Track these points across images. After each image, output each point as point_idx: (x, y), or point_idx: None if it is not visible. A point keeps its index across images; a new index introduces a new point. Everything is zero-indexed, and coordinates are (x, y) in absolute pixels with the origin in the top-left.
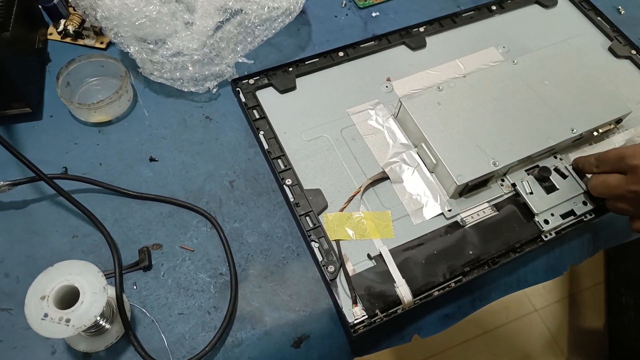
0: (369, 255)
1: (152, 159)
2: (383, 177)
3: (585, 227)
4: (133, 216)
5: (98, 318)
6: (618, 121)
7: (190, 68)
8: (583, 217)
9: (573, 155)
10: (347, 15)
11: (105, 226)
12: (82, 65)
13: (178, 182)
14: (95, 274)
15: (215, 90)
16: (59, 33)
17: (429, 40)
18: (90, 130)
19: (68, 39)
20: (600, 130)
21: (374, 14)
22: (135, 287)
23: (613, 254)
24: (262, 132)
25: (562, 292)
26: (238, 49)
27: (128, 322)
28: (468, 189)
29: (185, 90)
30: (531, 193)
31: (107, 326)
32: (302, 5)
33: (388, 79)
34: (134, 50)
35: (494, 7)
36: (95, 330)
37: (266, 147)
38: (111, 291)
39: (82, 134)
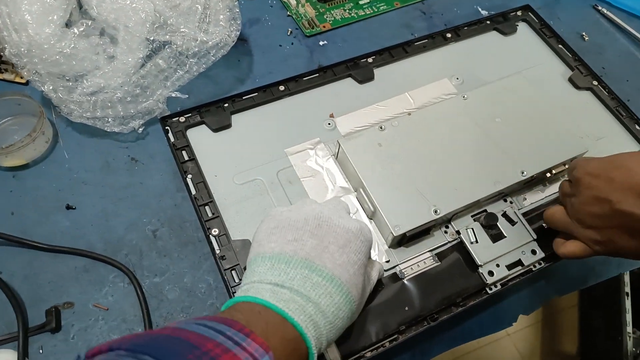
0: None
1: (69, 207)
2: None
3: (535, 276)
4: (45, 271)
5: None
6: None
7: (113, 107)
8: (532, 266)
9: (526, 198)
10: (292, 44)
11: (12, 284)
12: None
13: (97, 232)
14: None
15: (141, 130)
16: None
17: (378, 72)
18: (3, 175)
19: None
20: (554, 171)
21: (321, 43)
22: (41, 351)
23: None
24: (190, 176)
25: (535, 316)
26: (168, 83)
27: None
28: (407, 239)
29: (108, 130)
30: (476, 242)
31: None
32: (235, 39)
33: (331, 115)
34: (48, 89)
35: (449, 35)
36: None
37: (193, 192)
38: (13, 357)
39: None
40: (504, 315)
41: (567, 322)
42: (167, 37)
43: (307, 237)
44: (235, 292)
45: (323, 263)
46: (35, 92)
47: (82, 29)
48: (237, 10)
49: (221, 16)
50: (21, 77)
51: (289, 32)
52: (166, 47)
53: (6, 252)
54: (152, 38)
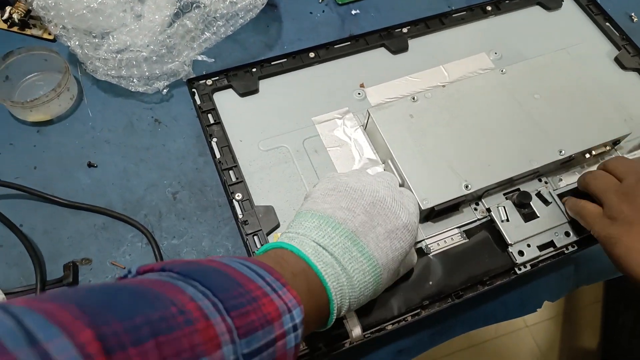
0: None
1: (90, 165)
2: None
3: (565, 261)
4: (64, 227)
5: None
6: (615, 142)
7: (138, 66)
8: (564, 249)
9: (562, 179)
10: (323, 12)
11: (32, 237)
12: (22, 58)
13: (117, 192)
14: None
15: (165, 91)
16: (5, 21)
17: (412, 43)
18: (28, 130)
19: (15, 28)
20: (594, 152)
21: (353, 12)
22: None
23: None
24: (215, 140)
25: (556, 308)
26: (194, 45)
27: None
28: (436, 214)
29: (132, 90)
30: (507, 220)
31: None
32: (264, 2)
33: (361, 85)
34: (74, 44)
35: (489, 8)
36: None
37: (218, 156)
38: None
39: (19, 134)
40: (529, 300)
41: (590, 317)
42: None
43: (359, 211)
44: None
45: (367, 241)
46: (63, 49)
47: None
48: None
49: None
50: (49, 33)
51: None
52: (194, 6)
53: (27, 205)
54: None
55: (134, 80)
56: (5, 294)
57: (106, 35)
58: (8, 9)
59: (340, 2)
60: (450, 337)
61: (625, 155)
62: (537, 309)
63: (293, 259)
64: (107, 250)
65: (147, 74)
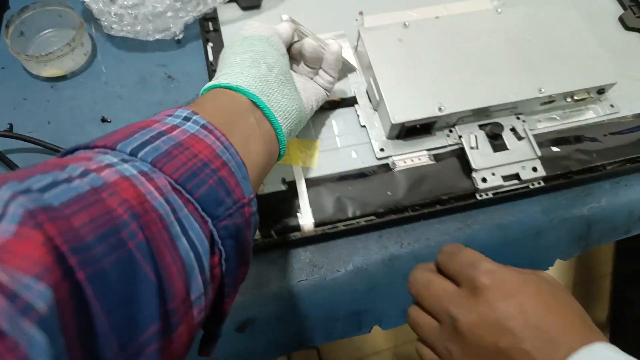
0: (283, 180)
1: (104, 120)
2: (323, 108)
3: (577, 219)
4: None
5: None
6: (600, 91)
7: (153, 21)
8: (529, 184)
9: (540, 121)
10: None
11: None
12: (37, 14)
13: None
14: None
15: (181, 36)
16: None
17: None
18: (42, 85)
19: None
20: (576, 97)
21: None
22: None
23: (623, 245)
24: (210, 45)
25: (565, 280)
26: None
27: None
28: (406, 131)
29: (151, 39)
30: (476, 147)
31: None
32: None
33: (360, 13)
34: None
35: None
36: None
37: (211, 59)
38: None
39: (33, 89)
40: (539, 257)
41: (599, 290)
42: None
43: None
44: None
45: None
46: (77, 5)
47: None
48: None
49: None
50: None
51: None
52: None
53: (42, 159)
54: None
55: (150, 31)
56: None
57: None
58: None
59: None
60: None
61: None
62: (549, 267)
63: (235, 96)
64: None
65: (161, 29)
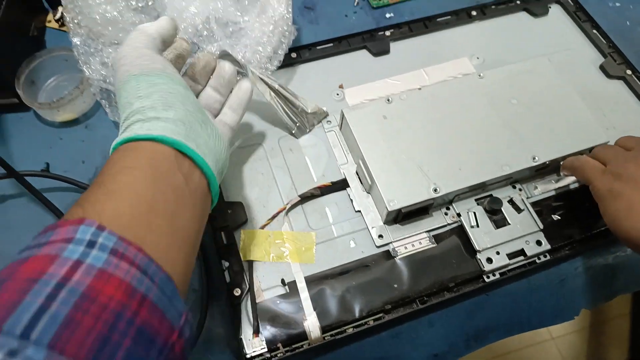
0: (282, 281)
1: None
2: (314, 195)
3: (602, 268)
4: None
5: None
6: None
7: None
8: (535, 258)
9: (537, 187)
10: (356, 13)
11: None
12: (45, 61)
13: None
14: None
15: None
16: (57, 21)
17: (394, 45)
18: (76, 124)
19: (66, 28)
20: None
21: (387, 15)
22: None
23: None
24: None
25: (582, 321)
26: None
27: None
28: (403, 216)
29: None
30: (476, 226)
31: None
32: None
33: (340, 86)
34: (75, 42)
35: (474, 12)
36: None
37: None
38: None
39: (68, 128)
40: (566, 305)
41: (617, 331)
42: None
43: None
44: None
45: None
46: None
47: (140, 4)
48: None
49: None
50: None
51: (356, 2)
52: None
53: (77, 198)
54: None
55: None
56: None
57: (112, 46)
58: (60, 8)
59: (374, 6)
60: (485, 344)
61: None
62: (575, 317)
63: (156, 150)
64: None
65: None
